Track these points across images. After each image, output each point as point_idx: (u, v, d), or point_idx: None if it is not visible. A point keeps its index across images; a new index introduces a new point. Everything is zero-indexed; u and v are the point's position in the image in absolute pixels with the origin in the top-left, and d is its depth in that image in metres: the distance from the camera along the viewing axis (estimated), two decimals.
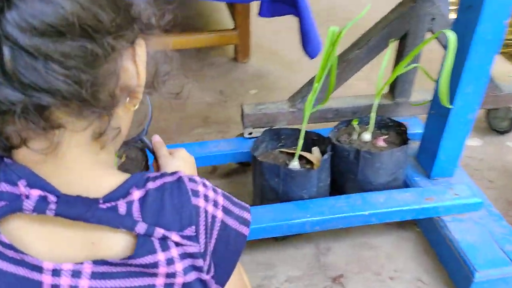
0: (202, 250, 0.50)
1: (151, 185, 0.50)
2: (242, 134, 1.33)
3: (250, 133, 1.32)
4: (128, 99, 0.54)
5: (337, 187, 1.21)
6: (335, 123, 1.23)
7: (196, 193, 0.51)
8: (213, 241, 0.52)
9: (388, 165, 1.11)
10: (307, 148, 1.19)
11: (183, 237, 0.48)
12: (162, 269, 0.48)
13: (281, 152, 1.21)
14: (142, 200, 0.48)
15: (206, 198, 0.52)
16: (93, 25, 0.43)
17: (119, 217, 0.47)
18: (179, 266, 0.48)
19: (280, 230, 1.04)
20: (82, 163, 0.49)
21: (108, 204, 0.48)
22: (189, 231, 0.49)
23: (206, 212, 0.51)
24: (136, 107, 0.57)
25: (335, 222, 1.05)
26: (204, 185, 0.54)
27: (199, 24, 2.34)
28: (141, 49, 0.53)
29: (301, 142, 1.10)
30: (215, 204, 0.53)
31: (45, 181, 0.47)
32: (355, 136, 1.20)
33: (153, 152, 0.81)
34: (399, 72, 1.12)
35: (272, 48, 2.15)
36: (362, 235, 1.18)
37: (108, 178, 0.50)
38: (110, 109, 0.48)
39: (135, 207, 0.48)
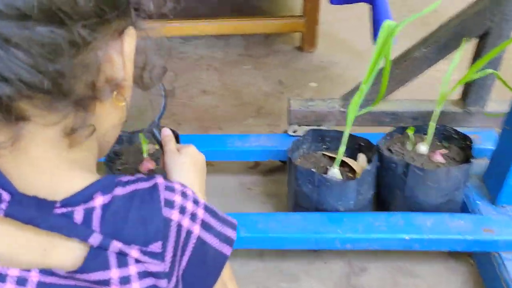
0: (168, 270, 0.43)
1: (119, 191, 0.44)
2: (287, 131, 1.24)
3: (295, 131, 1.22)
4: (115, 93, 0.48)
5: (382, 203, 1.08)
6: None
7: (170, 204, 0.45)
8: (185, 258, 0.46)
9: (442, 185, 0.96)
10: (353, 154, 1.07)
11: (145, 253, 0.42)
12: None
13: (324, 155, 1.10)
14: (105, 207, 0.42)
15: (182, 210, 0.46)
16: (67, 10, 0.37)
17: (72, 226, 0.42)
18: (135, 286, 0.42)
19: (307, 243, 0.95)
20: (47, 161, 0.44)
21: (64, 210, 0.42)
22: (155, 247, 0.42)
23: (179, 226, 0.45)
24: (124, 103, 0.51)
25: (369, 242, 0.93)
26: (184, 194, 0.47)
27: (268, 9, 2.26)
28: (130, 39, 0.47)
29: (343, 147, 0.99)
30: (193, 217, 0.47)
31: (3, 176, 0.42)
32: (409, 147, 1.05)
33: (161, 147, 0.75)
34: (470, 77, 0.96)
35: (340, 38, 2.01)
36: (404, 259, 1.04)
37: (75, 179, 0.45)
38: (88, 103, 0.43)
39: (96, 215, 0.42)
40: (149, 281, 0.42)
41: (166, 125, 1.49)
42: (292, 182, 1.03)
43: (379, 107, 1.19)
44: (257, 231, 0.94)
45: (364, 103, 1.15)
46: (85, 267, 0.41)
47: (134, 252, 0.41)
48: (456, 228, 0.93)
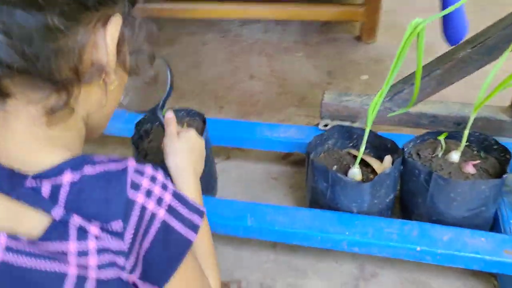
0: (127, 248, 0.45)
1: (89, 170, 0.46)
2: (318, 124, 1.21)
3: (326, 125, 1.19)
4: (103, 77, 0.51)
5: (404, 209, 1.03)
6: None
7: (136, 187, 0.47)
8: (148, 240, 0.47)
9: (466, 198, 0.88)
10: (380, 155, 1.02)
11: (105, 230, 0.44)
12: (72, 259, 0.44)
13: (349, 153, 1.06)
14: (73, 184, 0.45)
15: (148, 193, 0.48)
16: None
17: (39, 198, 0.45)
18: (93, 260, 0.44)
19: (313, 240, 0.93)
20: (27, 136, 0.47)
21: (34, 183, 0.45)
22: (115, 226, 0.44)
23: (143, 208, 0.47)
24: (113, 86, 0.54)
25: (378, 248, 0.89)
26: (153, 179, 0.49)
27: None
28: (114, 27, 0.49)
29: (363, 147, 0.95)
30: (159, 201, 0.49)
31: None
32: (440, 153, 0.98)
33: (163, 128, 0.77)
34: (509, 82, 0.87)
35: (404, 29, 1.89)
36: (419, 270, 0.98)
37: (50, 155, 0.48)
38: (70, 85, 0.46)
39: (63, 191, 0.45)
40: (107, 257, 0.44)
41: (209, 106, 1.53)
42: (309, 177, 1.01)
43: (419, 108, 1.12)
44: (264, 222, 0.94)
45: (405, 102, 1.10)
46: (45, 237, 0.43)
47: (93, 228, 0.43)
48: (474, 246, 0.86)
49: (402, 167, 0.97)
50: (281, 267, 1.03)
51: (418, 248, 0.87)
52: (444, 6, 1.30)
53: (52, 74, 0.44)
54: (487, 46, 0.95)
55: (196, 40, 2.00)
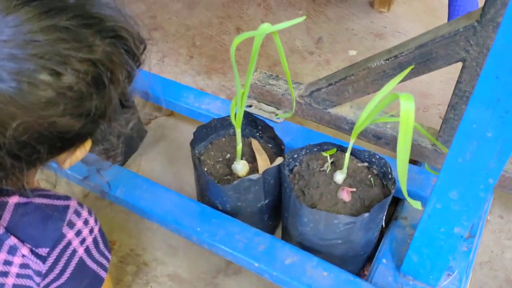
0: (44, 271, 0.53)
1: (36, 199, 0.54)
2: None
3: (250, 106, 1.11)
4: None
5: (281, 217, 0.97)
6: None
7: (71, 225, 0.55)
8: (68, 271, 0.56)
9: (319, 228, 0.81)
10: (281, 155, 0.95)
11: (32, 252, 0.52)
12: None
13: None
14: (18, 206, 0.52)
15: (78, 233, 0.56)
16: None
17: None
18: (14, 270, 0.51)
19: (169, 227, 0.91)
20: None
21: None
22: (42, 251, 0.52)
23: (69, 243, 0.55)
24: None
25: (223, 252, 0.86)
26: (86, 222, 0.58)
27: None
28: (82, 150, 0.53)
29: (239, 145, 0.88)
30: (82, 241, 0.57)
31: None
32: (328, 169, 0.89)
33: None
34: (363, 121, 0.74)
35: (428, 4, 1.65)
36: None
37: None
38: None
39: (8, 209, 0.52)
40: (27, 271, 0.52)
41: (180, 54, 1.48)
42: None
43: (343, 111, 1.01)
44: (130, 196, 0.94)
45: (323, 101, 1.00)
46: None
47: (24, 248, 0.51)
48: (311, 278, 0.80)
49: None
50: (157, 240, 1.04)
51: (256, 264, 0.83)
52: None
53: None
54: (398, 62, 0.81)
55: None
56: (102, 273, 0.62)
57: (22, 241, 0.51)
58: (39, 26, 0.41)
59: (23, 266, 0.51)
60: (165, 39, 1.59)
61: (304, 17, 0.67)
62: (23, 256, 0.51)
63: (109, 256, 0.64)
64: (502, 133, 0.52)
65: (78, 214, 0.57)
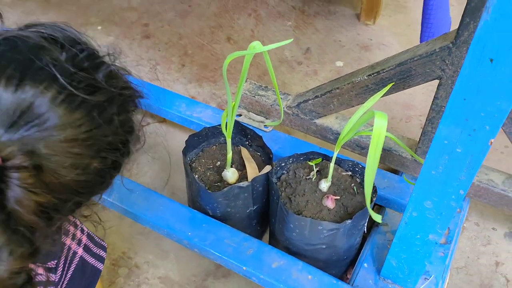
0: (57, 279, 0.61)
1: None
2: None
3: (240, 115, 1.16)
4: None
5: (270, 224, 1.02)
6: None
7: (66, 232, 0.62)
8: (71, 270, 0.62)
9: (304, 233, 0.86)
10: (269, 163, 0.99)
11: (45, 268, 0.60)
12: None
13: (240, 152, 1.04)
14: None
15: (73, 237, 0.63)
16: None
17: None
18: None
19: (162, 232, 0.95)
20: None
21: None
22: (51, 264, 0.60)
23: (69, 248, 0.62)
24: None
25: (213, 256, 0.90)
26: (75, 224, 0.64)
27: None
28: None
29: (229, 154, 0.93)
30: (79, 242, 0.64)
31: None
32: (313, 177, 0.94)
33: None
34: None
35: (410, 17, 1.71)
36: None
37: None
38: None
39: None
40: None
41: (173, 62, 1.52)
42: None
43: (328, 122, 1.06)
44: (125, 201, 0.97)
45: (310, 112, 1.04)
46: None
47: (39, 269, 0.58)
48: (296, 281, 0.84)
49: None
50: (149, 243, 1.08)
51: (245, 268, 0.87)
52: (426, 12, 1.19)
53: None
54: (380, 78, 0.86)
55: None
56: (100, 266, 0.68)
57: (36, 263, 0.56)
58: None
59: (44, 284, 0.57)
60: (157, 47, 1.62)
61: (291, 40, 0.72)
62: (40, 275, 0.56)
63: (105, 245, 0.69)
64: (470, 149, 0.57)
65: (74, 224, 0.64)
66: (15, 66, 0.42)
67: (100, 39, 1.65)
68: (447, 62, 0.77)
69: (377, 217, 0.68)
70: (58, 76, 0.43)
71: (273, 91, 1.12)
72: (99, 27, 1.72)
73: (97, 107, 0.47)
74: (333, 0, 1.80)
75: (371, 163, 0.63)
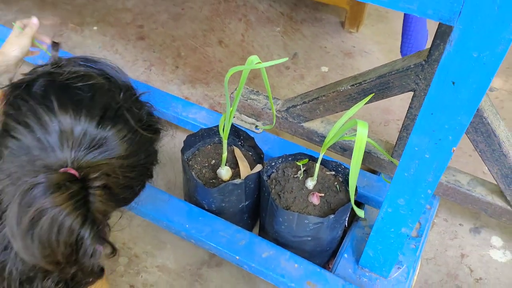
0: None
1: None
2: None
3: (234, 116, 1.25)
4: None
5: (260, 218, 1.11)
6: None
7: None
8: None
9: (292, 226, 0.95)
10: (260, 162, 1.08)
11: None
12: None
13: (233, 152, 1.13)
14: None
15: None
16: None
17: None
18: None
19: (161, 224, 1.04)
20: None
21: None
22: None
23: None
24: None
25: (208, 246, 1.00)
26: None
27: None
28: None
29: (224, 154, 1.02)
30: None
31: None
32: (301, 176, 1.04)
33: None
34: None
35: (393, 26, 1.82)
36: None
37: None
38: None
39: None
40: None
41: (167, 63, 1.60)
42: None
43: (314, 125, 1.16)
44: None
45: (298, 116, 1.14)
46: None
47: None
48: (284, 269, 0.94)
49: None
50: (147, 235, 1.16)
51: (237, 257, 0.97)
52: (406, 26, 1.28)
53: None
54: (362, 88, 0.96)
55: None
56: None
57: None
58: None
59: None
60: (152, 48, 1.70)
61: (286, 59, 0.81)
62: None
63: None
64: (436, 156, 0.67)
65: None
66: (99, 107, 0.56)
67: (96, 39, 1.72)
68: (420, 77, 0.87)
69: (360, 213, 0.78)
70: (130, 120, 0.58)
71: (264, 95, 1.22)
72: (95, 27, 1.78)
73: (150, 140, 0.61)
74: (320, 8, 1.90)
75: (354, 166, 0.73)
